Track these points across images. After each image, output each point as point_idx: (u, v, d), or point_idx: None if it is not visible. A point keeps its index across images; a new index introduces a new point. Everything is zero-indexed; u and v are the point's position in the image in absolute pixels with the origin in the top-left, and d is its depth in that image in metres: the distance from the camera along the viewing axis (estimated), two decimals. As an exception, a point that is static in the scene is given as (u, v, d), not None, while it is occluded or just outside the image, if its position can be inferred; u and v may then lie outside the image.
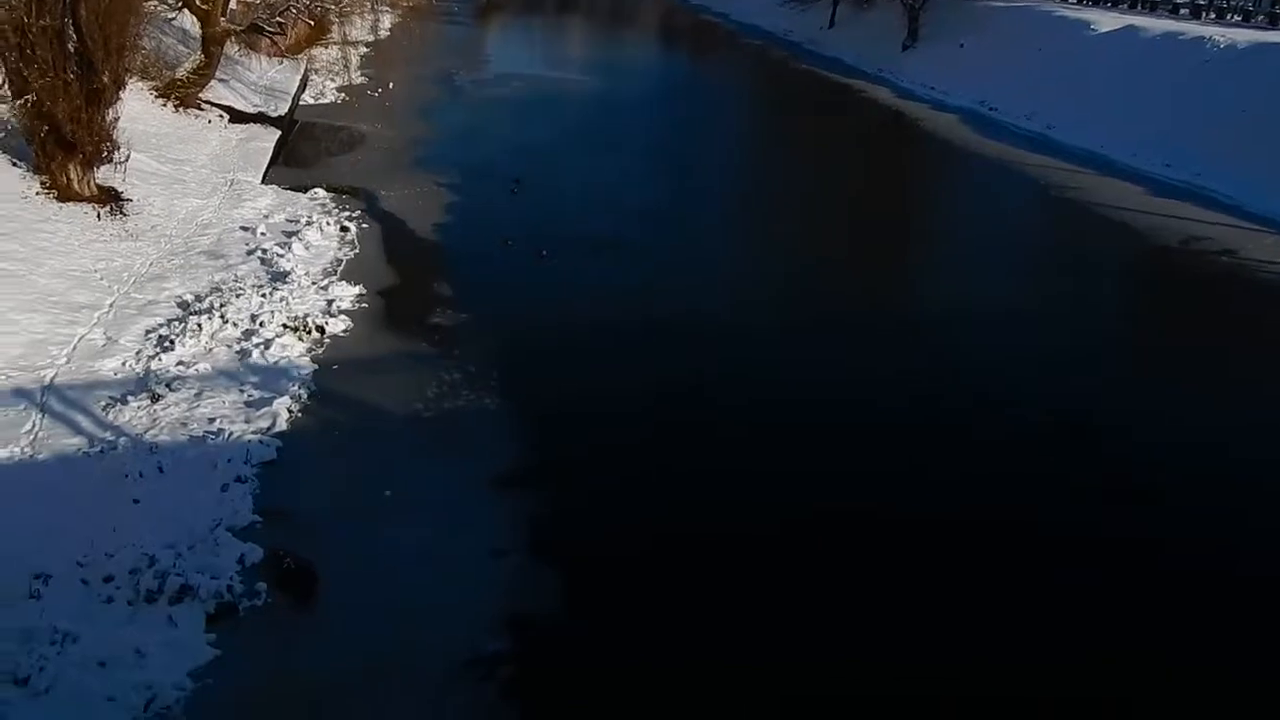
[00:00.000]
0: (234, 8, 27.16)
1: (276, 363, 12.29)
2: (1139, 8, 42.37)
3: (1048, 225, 23.32)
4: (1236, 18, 39.59)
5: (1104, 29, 35.37)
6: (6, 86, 15.54)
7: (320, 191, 20.01)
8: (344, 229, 17.75)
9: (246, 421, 10.87)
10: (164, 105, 23.48)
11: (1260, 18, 38.27)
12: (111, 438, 10.28)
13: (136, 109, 20.76)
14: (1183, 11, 40.90)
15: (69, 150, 15.79)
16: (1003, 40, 39.15)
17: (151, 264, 15.10)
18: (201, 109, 24.52)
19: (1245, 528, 10.41)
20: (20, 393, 10.81)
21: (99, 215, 15.99)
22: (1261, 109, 25.37)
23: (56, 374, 11.37)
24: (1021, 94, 33.95)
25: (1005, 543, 9.84)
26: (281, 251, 16.05)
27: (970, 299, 16.84)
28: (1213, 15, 40.14)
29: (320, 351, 12.90)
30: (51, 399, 10.84)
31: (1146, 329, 16.84)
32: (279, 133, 24.85)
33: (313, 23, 33.28)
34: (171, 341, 12.41)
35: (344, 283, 15.07)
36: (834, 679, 7.90)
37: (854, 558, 9.41)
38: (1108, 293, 18.26)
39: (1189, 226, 21.72)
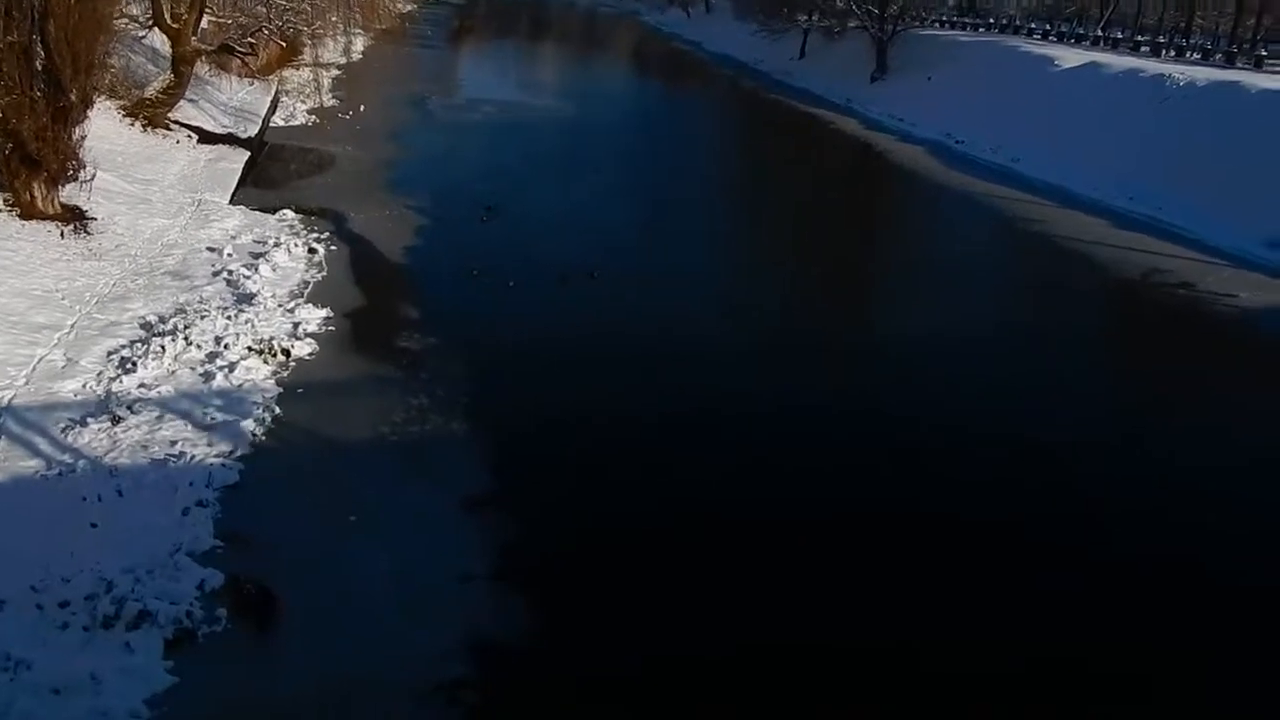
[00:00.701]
0: (205, 28, 27.05)
1: (241, 385, 12.17)
2: (1101, 45, 43.28)
3: (1014, 256, 23.63)
4: (1196, 55, 40.51)
5: (1068, 65, 36.06)
6: (-29, 103, 15.37)
7: (289, 213, 19.93)
8: (312, 251, 17.67)
9: (209, 445, 10.75)
10: (132, 124, 23.32)
11: (1218, 56, 39.18)
12: (70, 460, 10.12)
13: (104, 128, 20.60)
14: (1144, 49, 41.81)
15: (33, 168, 15.63)
16: (969, 74, 39.80)
17: (115, 284, 14.93)
18: (170, 129, 24.38)
19: (1209, 540, 10.55)
20: (-23, 414, 10.63)
21: (62, 234, 15.81)
22: (1220, 145, 25.93)
23: (14, 395, 11.19)
24: (987, 127, 34.48)
25: (979, 552, 9.90)
26: (248, 273, 15.93)
27: (940, 328, 16.98)
28: (1173, 53, 41.06)
29: (286, 374, 12.78)
30: (9, 420, 10.65)
31: (1110, 357, 17.08)
32: (248, 154, 24.75)
33: (284, 44, 33.27)
34: (133, 363, 12.27)
35: (311, 305, 14.99)
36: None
37: (826, 579, 9.41)
38: (1073, 323, 18.47)
39: (1150, 259, 22.10)
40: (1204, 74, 30.99)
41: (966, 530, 10.54)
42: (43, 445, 10.34)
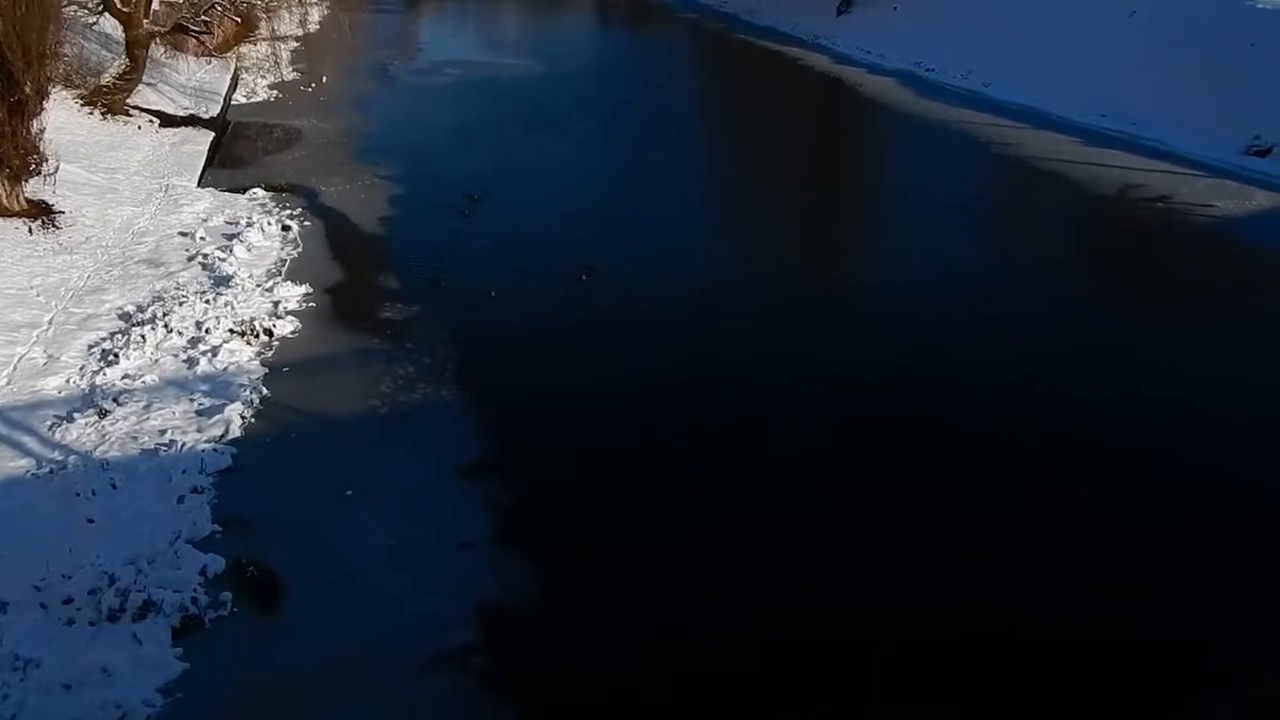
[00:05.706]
0: (157, 9, 26.50)
1: (226, 369, 12.11)
2: (1066, -39, 42.79)
3: (987, 181, 23.54)
4: (1160, -34, 40.14)
5: (1033, -16, 35.67)
6: (-77, 103, 15.09)
7: (259, 191, 19.71)
8: (285, 228, 17.50)
9: (199, 431, 10.71)
10: (91, 113, 22.92)
11: (1183, -36, 38.86)
12: (60, 457, 10.08)
13: (62, 118, 20.25)
14: (1108, -38, 41.39)
15: (-6, 165, 15.39)
16: (936, 1, 39.37)
17: (89, 277, 14.77)
18: (130, 115, 23.97)
19: (1200, 475, 10.66)
20: (-39, 418, 10.56)
21: (30, 230, 15.62)
22: (1191, 55, 25.79)
23: (-2, 396, 11.11)
24: (957, 53, 34.20)
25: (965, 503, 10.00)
26: (223, 255, 15.78)
27: (916, 262, 17.01)
28: (1137, -36, 40.67)
29: (270, 354, 12.72)
30: (-5, 422, 10.60)
31: (1088, 277, 17.08)
32: (212, 134, 24.39)
33: (239, 20, 32.65)
34: (115, 355, 12.18)
35: (289, 283, 14.87)
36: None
37: (831, 547, 9.49)
38: (1048, 243, 18.45)
39: (1125, 175, 22.06)
40: (1170, -17, 30.69)
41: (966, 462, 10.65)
42: (31, 444, 10.29)
